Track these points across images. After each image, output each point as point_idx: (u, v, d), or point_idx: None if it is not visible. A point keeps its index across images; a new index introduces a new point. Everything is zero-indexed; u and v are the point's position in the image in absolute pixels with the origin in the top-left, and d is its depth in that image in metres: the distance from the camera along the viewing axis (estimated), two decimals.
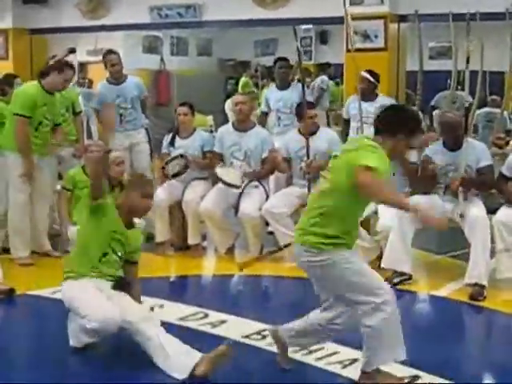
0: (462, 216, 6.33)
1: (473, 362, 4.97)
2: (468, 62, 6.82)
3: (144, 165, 8.29)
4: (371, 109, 7.56)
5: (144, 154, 8.33)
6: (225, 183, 7.27)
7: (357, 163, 4.02)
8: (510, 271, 6.42)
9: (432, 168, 6.53)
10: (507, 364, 4.84)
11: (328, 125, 11.02)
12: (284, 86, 8.62)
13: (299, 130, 7.32)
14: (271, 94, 8.85)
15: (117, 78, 8.33)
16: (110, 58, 8.30)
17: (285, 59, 8.78)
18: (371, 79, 8.08)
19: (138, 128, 8.39)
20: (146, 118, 8.50)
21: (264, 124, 8.61)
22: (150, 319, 4.66)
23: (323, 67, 13.08)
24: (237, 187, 7.22)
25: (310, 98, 10.84)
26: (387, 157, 4.18)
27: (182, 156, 7.52)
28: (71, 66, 7.28)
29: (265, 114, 8.83)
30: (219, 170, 7.37)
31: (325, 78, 12.87)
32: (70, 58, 8.91)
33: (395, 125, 4.25)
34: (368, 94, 7.99)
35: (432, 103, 11.73)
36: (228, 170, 7.41)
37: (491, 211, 6.52)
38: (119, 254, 4.94)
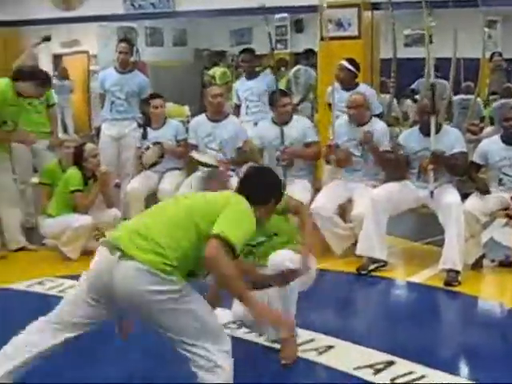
0: (432, 194, 6.38)
1: (449, 348, 5.00)
2: (429, 45, 6.88)
3: (130, 157, 8.20)
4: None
5: (131, 147, 8.16)
6: (203, 164, 7.30)
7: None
8: (474, 257, 6.49)
9: (400, 156, 6.59)
10: (482, 349, 4.86)
11: (313, 115, 10.93)
12: (251, 76, 8.67)
13: (273, 120, 7.30)
14: (240, 85, 8.89)
15: (121, 67, 8.42)
16: (119, 45, 8.53)
17: (248, 51, 8.84)
18: (351, 68, 8.02)
19: (128, 119, 8.36)
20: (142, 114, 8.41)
21: (237, 116, 8.62)
22: None
23: (306, 55, 12.38)
24: (214, 167, 7.22)
25: (294, 89, 10.91)
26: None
27: (157, 143, 7.54)
28: (50, 80, 7.18)
29: (237, 107, 8.83)
30: (195, 154, 7.39)
31: (308, 70, 12.09)
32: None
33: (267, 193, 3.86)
34: (347, 83, 7.93)
35: (413, 87, 11.90)
36: (203, 153, 7.42)
37: (465, 197, 6.57)
38: None
